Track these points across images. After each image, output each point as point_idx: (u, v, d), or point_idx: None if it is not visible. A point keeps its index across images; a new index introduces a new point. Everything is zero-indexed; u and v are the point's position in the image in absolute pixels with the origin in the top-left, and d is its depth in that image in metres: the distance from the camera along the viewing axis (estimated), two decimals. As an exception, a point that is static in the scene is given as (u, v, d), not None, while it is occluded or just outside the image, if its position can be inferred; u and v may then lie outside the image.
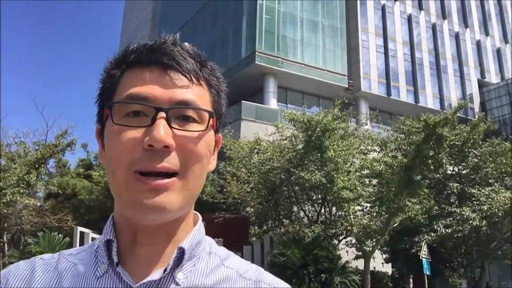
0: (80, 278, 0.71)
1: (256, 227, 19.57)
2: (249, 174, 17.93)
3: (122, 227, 0.73)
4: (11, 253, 18.06)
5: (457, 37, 42.29)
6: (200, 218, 0.80)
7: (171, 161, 0.66)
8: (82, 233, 17.95)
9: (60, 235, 17.50)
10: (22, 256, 15.61)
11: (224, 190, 18.16)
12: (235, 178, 18.01)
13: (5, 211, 16.29)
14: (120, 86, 0.72)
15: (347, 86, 34.81)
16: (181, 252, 0.70)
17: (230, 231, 17.93)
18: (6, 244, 18.98)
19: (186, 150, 0.68)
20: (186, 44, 0.76)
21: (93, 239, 17.99)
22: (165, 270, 0.68)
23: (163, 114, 0.67)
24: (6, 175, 14.76)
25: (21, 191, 15.05)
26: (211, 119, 0.71)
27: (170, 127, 0.67)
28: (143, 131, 0.67)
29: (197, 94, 0.72)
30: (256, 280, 0.75)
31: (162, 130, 0.65)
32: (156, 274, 0.68)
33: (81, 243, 17.91)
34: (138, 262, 0.71)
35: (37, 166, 16.04)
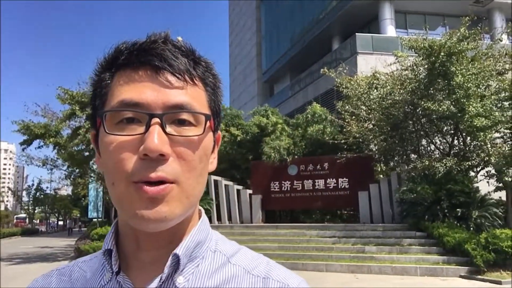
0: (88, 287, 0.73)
1: (382, 165, 18.96)
2: (369, 111, 17.18)
3: (126, 233, 0.72)
4: None
5: None
6: (204, 213, 0.78)
7: (167, 170, 0.63)
8: (215, 181, 19.50)
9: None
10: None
11: (344, 130, 17.77)
12: (354, 117, 17.45)
13: None
14: (111, 91, 0.69)
15: (476, -2, 30.65)
16: (176, 259, 0.67)
17: (354, 170, 17.73)
18: None
19: (183, 157, 0.66)
20: (179, 38, 0.72)
21: (226, 186, 19.40)
22: (160, 278, 0.67)
23: (157, 120, 0.64)
24: None
25: None
26: (208, 122, 0.68)
27: (166, 133, 0.64)
28: (138, 139, 0.64)
29: (192, 96, 0.68)
30: (264, 277, 0.71)
31: (156, 138, 0.62)
32: (154, 283, 0.67)
33: (216, 189, 19.48)
34: (143, 267, 0.70)
35: None
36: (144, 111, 0.64)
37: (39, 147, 19.47)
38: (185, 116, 0.66)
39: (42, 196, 53.45)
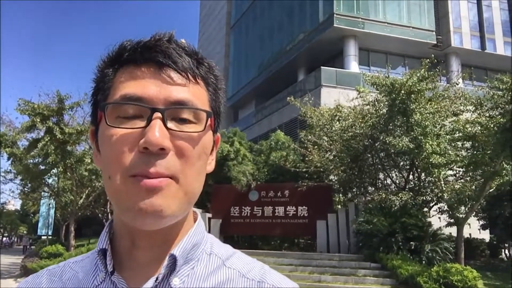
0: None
1: (340, 195, 19.35)
2: (330, 142, 17.64)
3: (121, 232, 0.72)
4: None
5: None
6: (199, 216, 0.78)
7: (166, 165, 0.64)
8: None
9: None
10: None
11: (306, 159, 18.08)
12: (316, 146, 17.83)
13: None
14: (114, 86, 0.70)
15: (435, 42, 32.39)
16: (173, 259, 0.67)
17: (314, 199, 17.94)
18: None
19: (183, 152, 0.66)
20: (183, 40, 0.73)
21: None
22: (156, 279, 0.66)
23: (158, 114, 0.64)
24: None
25: None
26: (208, 119, 0.69)
27: (166, 128, 0.64)
28: (138, 133, 0.64)
29: (194, 93, 0.69)
30: (259, 280, 0.72)
31: (157, 131, 0.62)
32: (149, 283, 0.66)
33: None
34: (137, 266, 0.70)
35: None
36: (146, 105, 0.65)
37: None
38: (186, 113, 0.67)
39: (-13, 210, 50.64)
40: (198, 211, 18.75)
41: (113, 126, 0.65)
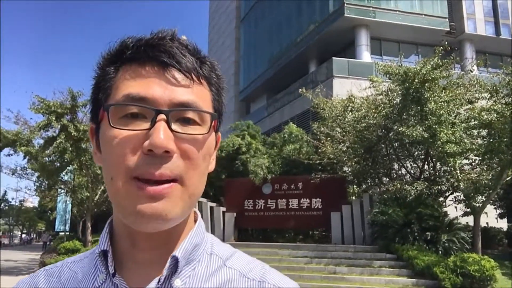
0: None
1: (354, 186, 19.23)
2: (343, 134, 17.51)
3: (121, 233, 0.71)
4: None
5: None
6: (199, 216, 0.78)
7: (171, 167, 0.63)
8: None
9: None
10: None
11: (319, 150, 18.00)
12: (329, 138, 17.72)
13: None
14: (116, 85, 0.68)
15: (448, 29, 31.87)
16: (175, 261, 0.67)
17: (328, 191, 17.88)
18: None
19: (188, 154, 0.65)
20: (184, 37, 0.71)
21: (199, 202, 19.20)
22: (159, 280, 0.66)
23: (163, 116, 0.63)
24: None
25: None
26: (213, 121, 0.69)
27: (171, 130, 0.64)
28: (142, 135, 0.63)
29: (198, 94, 0.68)
30: (260, 280, 0.71)
31: (162, 134, 0.62)
32: (152, 284, 0.66)
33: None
34: (138, 267, 0.70)
35: None
36: (150, 106, 0.64)
37: (8, 155, 18.93)
38: (190, 114, 0.66)
39: (6, 207, 51.64)
40: (212, 205, 18.88)
41: (116, 127, 0.64)
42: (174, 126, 0.64)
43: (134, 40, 0.69)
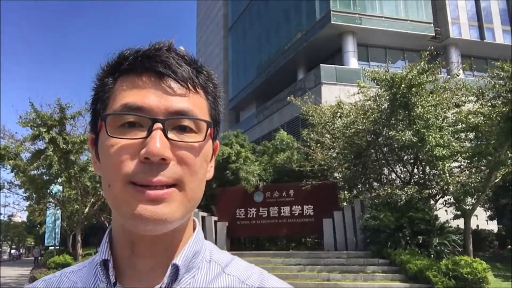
0: None
1: (345, 192, 19.28)
2: (333, 140, 17.57)
3: (120, 240, 0.71)
4: None
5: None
6: (198, 224, 0.78)
7: (168, 174, 0.64)
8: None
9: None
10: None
11: (309, 157, 18.03)
12: (319, 144, 17.78)
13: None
14: (114, 95, 0.70)
15: (433, 34, 32.35)
16: (176, 269, 0.68)
17: (319, 197, 17.89)
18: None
19: (184, 162, 0.66)
20: (182, 48, 0.73)
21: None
22: None
23: (159, 125, 0.64)
24: None
25: None
26: (209, 129, 0.69)
27: (167, 138, 0.64)
28: (139, 143, 0.64)
29: (194, 103, 0.69)
30: (258, 287, 0.72)
31: (158, 142, 0.63)
32: None
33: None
34: (138, 275, 0.70)
35: None
36: (146, 115, 0.65)
37: None
38: (186, 122, 0.67)
39: (-6, 222, 50.88)
40: (204, 214, 18.78)
41: (113, 137, 0.65)
42: (171, 134, 0.65)
43: (132, 52, 0.70)
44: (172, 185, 0.65)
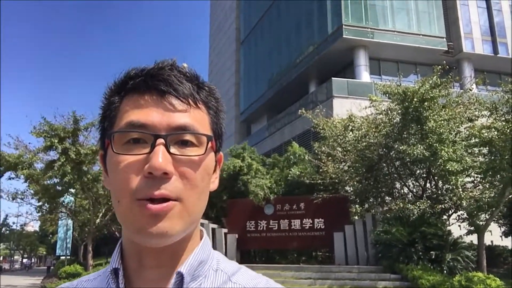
0: None
1: (357, 206, 19.15)
2: (344, 153, 17.52)
3: (129, 252, 0.75)
4: None
5: None
6: (205, 233, 0.81)
7: (170, 188, 0.68)
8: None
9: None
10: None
11: (321, 170, 17.98)
12: (330, 157, 17.73)
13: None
14: (120, 113, 0.74)
15: (446, 49, 32.21)
16: (180, 277, 0.70)
17: (330, 211, 17.78)
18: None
19: (185, 176, 0.70)
20: (185, 65, 0.77)
21: (201, 224, 19.08)
22: None
23: (162, 140, 0.68)
24: None
25: None
26: (209, 142, 0.73)
27: (169, 153, 0.68)
28: (143, 159, 0.68)
29: (194, 118, 0.73)
30: None
31: (160, 157, 0.66)
32: None
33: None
34: (146, 284, 0.73)
35: None
36: (149, 132, 0.69)
37: (9, 179, 18.98)
38: (188, 137, 0.71)
39: (7, 231, 51.35)
40: (214, 226, 18.76)
41: (119, 153, 0.70)
42: (173, 149, 0.69)
43: (137, 71, 0.75)
44: (174, 199, 0.68)
